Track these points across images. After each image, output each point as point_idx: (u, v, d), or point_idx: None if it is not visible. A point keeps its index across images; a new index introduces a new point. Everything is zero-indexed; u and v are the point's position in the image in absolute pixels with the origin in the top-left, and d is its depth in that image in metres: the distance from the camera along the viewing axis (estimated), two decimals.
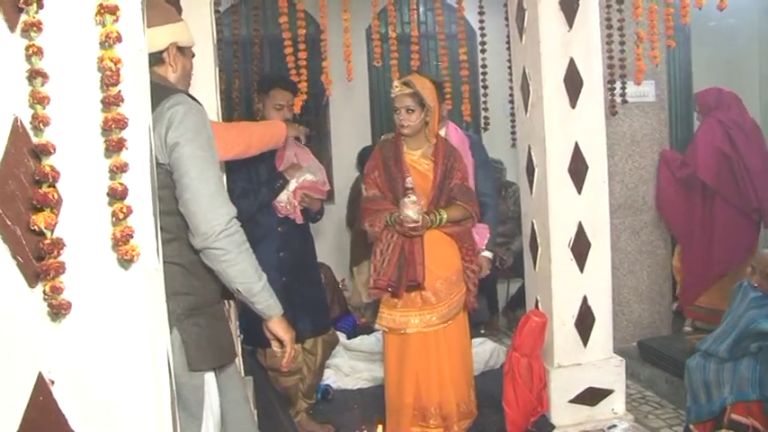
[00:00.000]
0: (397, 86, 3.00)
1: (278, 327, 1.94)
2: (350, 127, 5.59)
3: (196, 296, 1.83)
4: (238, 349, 2.97)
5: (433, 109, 3.01)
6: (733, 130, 4.04)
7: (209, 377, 1.87)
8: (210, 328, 1.87)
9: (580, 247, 3.16)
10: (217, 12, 3.35)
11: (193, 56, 2.03)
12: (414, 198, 2.90)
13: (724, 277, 4.01)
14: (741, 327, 2.70)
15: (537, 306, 3.25)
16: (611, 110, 3.89)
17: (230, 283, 1.82)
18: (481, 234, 3.34)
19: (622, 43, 3.73)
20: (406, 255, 2.95)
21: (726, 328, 2.80)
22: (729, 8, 3.10)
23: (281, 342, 1.98)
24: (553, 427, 3.11)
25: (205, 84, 2.87)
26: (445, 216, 2.97)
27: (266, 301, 1.88)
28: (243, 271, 1.80)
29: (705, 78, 5.75)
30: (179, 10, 2.63)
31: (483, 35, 3.94)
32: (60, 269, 1.14)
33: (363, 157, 4.75)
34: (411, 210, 2.88)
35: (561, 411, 3.14)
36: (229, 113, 4.08)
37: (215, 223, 1.72)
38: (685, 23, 3.33)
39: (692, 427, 2.82)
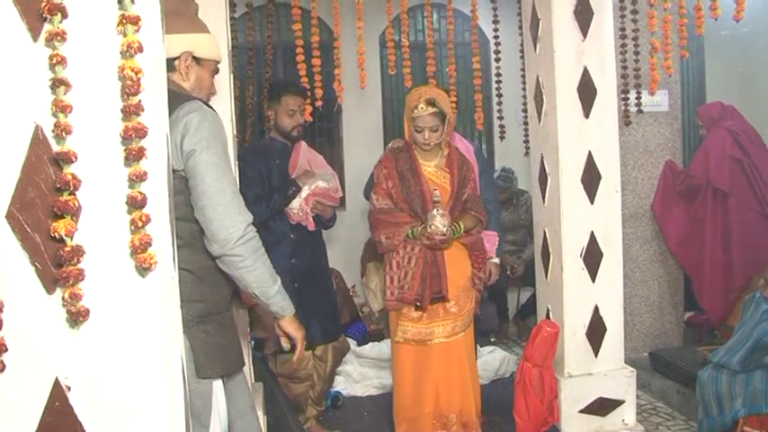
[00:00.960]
0: (422, 107, 2.94)
1: (290, 325, 2.00)
2: (362, 134, 5.60)
3: (205, 303, 1.84)
4: (248, 356, 2.98)
5: (451, 121, 3.01)
6: (741, 137, 4.09)
7: (217, 384, 1.88)
8: (219, 335, 1.88)
9: (592, 257, 3.15)
10: (231, 18, 3.37)
11: (217, 71, 2.03)
12: (442, 211, 2.91)
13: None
14: (754, 339, 2.68)
15: (548, 315, 3.24)
16: (625, 119, 3.88)
17: (247, 288, 1.85)
18: (491, 242, 3.35)
19: (637, 53, 3.73)
20: (430, 267, 2.95)
21: (738, 339, 2.78)
22: (743, 19, 3.08)
23: (289, 339, 2.03)
24: None
25: (219, 90, 2.87)
26: (463, 227, 2.99)
27: (280, 303, 1.93)
28: (259, 276, 1.83)
29: (718, 88, 5.74)
30: None
31: (497, 44, 3.95)
32: (80, 276, 1.15)
33: None
34: (441, 223, 2.88)
35: (572, 421, 3.13)
36: (243, 120, 4.10)
37: (233, 230, 1.74)
38: (700, 34, 3.32)
39: None
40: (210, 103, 2.75)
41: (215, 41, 2.00)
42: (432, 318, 3.00)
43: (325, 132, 5.67)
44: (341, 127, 5.67)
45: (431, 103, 2.93)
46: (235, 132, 3.00)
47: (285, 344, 2.07)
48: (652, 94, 3.72)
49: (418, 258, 2.95)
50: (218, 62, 2.02)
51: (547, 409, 2.88)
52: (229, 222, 1.74)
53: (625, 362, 3.29)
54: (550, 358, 2.92)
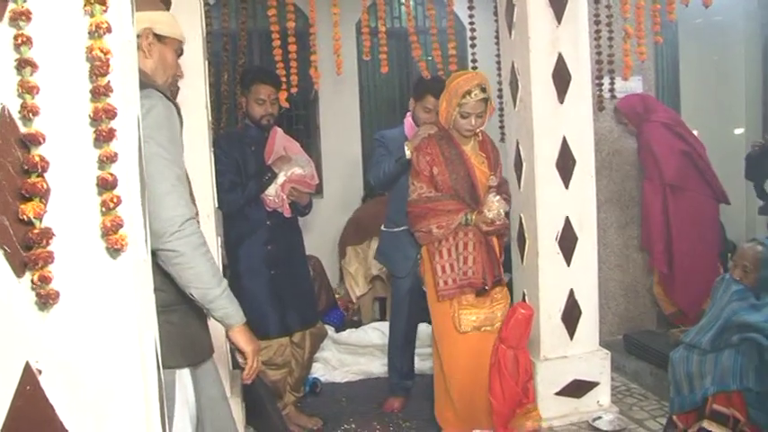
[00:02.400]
0: (475, 94, 2.88)
1: (239, 337, 1.86)
2: (339, 121, 5.59)
3: (169, 292, 1.78)
4: (225, 344, 2.97)
5: (492, 106, 2.99)
6: (678, 128, 4.08)
7: (184, 374, 1.85)
8: (183, 325, 1.84)
9: (567, 242, 3.19)
10: (206, 5, 3.34)
11: (181, 53, 1.98)
12: (498, 197, 2.90)
13: None
14: (723, 319, 2.74)
15: (524, 299, 3.28)
16: (599, 105, 3.92)
17: (185, 288, 1.74)
18: None
19: (610, 39, 3.76)
20: (487, 252, 2.95)
21: (708, 320, 2.83)
22: (716, 6, 3.12)
23: (243, 353, 1.89)
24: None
25: (194, 77, 2.85)
26: None
27: (224, 309, 1.80)
28: (198, 275, 1.72)
29: (692, 74, 5.82)
30: (168, 2, 2.63)
31: (473, 30, 3.95)
32: (49, 259, 1.14)
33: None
34: (503, 207, 2.88)
35: (547, 404, 3.17)
36: (218, 107, 4.07)
37: (168, 224, 1.66)
38: (672, 20, 3.36)
39: (675, 417, 2.84)
40: (185, 90, 2.77)
41: (175, 21, 1.95)
42: (492, 301, 3.00)
43: (302, 120, 5.65)
44: (318, 114, 5.65)
45: (483, 89, 2.90)
46: (210, 119, 2.98)
47: (240, 359, 1.91)
48: (625, 79, 3.76)
49: (476, 243, 2.92)
50: (181, 42, 1.96)
51: (522, 391, 2.91)
52: (165, 215, 1.66)
53: (600, 344, 3.35)
54: (525, 340, 2.95)
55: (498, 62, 3.69)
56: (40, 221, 1.13)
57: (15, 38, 1.11)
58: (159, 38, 1.88)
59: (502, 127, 3.76)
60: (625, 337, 4.08)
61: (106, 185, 1.17)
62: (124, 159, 1.21)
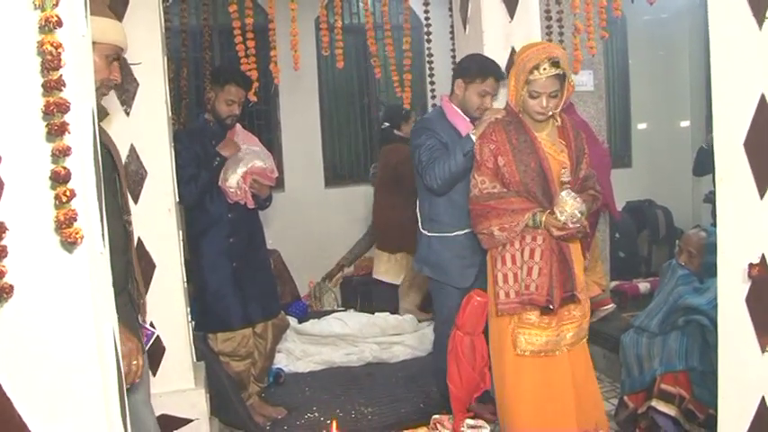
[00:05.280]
0: (545, 69, 2.44)
1: None
2: (299, 116, 5.62)
3: None
4: (189, 335, 2.99)
5: (571, 84, 2.59)
6: None
7: None
8: None
9: None
10: (165, 1, 3.34)
11: (117, 59, 1.91)
12: (574, 194, 2.45)
13: None
14: (670, 302, 2.86)
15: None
16: None
17: None
18: None
19: (561, 34, 3.85)
20: (558, 262, 2.50)
21: (657, 304, 2.96)
22: (663, 4, 3.24)
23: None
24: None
25: (154, 73, 2.88)
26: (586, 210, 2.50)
27: None
28: None
29: (641, 69, 5.98)
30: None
31: (428, 25, 4.02)
32: (2, 253, 1.14)
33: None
34: (578, 208, 2.41)
35: None
36: (177, 102, 4.07)
37: None
38: (618, 16, 3.46)
39: (626, 398, 2.96)
40: (144, 86, 2.78)
41: (113, 26, 1.89)
42: (562, 321, 2.56)
43: (263, 115, 5.66)
44: (278, 109, 5.67)
45: (555, 63, 2.45)
46: (169, 115, 2.99)
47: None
48: (575, 73, 3.85)
49: (544, 251, 2.48)
50: (115, 47, 1.88)
51: (479, 376, 2.97)
52: None
53: None
54: (481, 326, 3.00)
55: (453, 56, 3.75)
56: None
57: None
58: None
59: None
60: None
61: (59, 179, 1.18)
62: (78, 153, 1.22)
